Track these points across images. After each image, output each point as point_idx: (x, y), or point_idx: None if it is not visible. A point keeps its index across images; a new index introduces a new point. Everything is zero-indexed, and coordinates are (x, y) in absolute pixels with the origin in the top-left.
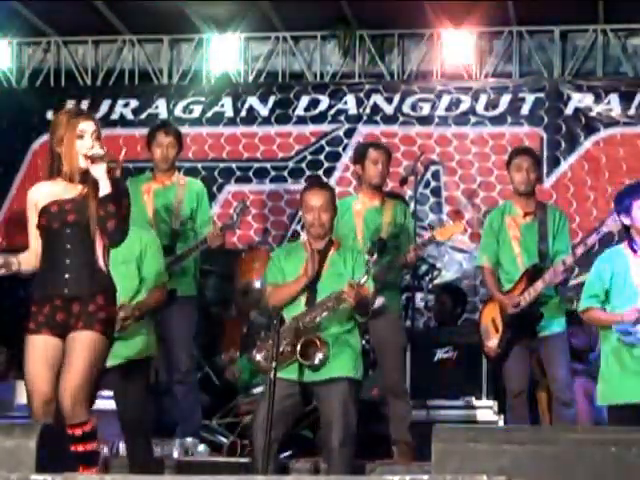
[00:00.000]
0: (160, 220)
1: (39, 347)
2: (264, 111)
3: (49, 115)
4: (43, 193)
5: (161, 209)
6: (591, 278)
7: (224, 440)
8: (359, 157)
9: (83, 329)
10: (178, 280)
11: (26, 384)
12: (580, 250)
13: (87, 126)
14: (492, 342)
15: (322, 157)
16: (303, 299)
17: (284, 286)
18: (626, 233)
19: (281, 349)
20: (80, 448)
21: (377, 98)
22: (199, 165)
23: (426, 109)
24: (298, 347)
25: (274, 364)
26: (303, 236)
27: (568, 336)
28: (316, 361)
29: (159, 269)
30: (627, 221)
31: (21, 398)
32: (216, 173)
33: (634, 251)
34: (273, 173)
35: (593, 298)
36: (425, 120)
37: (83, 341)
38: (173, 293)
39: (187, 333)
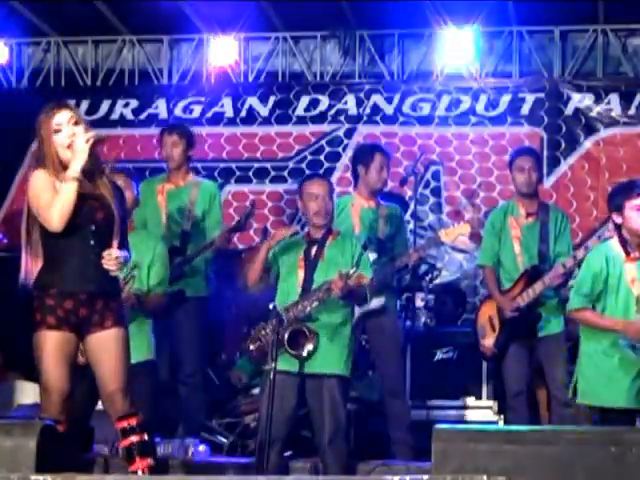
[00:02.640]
0: (172, 221)
1: (59, 344)
2: (264, 111)
3: None
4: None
5: (174, 210)
6: (584, 276)
7: (224, 440)
8: (364, 159)
9: (114, 326)
10: (187, 281)
11: (42, 380)
12: (580, 254)
13: (62, 117)
14: (488, 341)
15: (322, 157)
16: (299, 289)
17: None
18: (617, 231)
19: (271, 337)
20: (135, 438)
21: (377, 98)
22: (199, 165)
23: (426, 109)
24: (286, 336)
25: (273, 365)
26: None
27: None
28: (304, 352)
29: (162, 279)
30: (619, 220)
31: (21, 398)
32: (216, 173)
33: (626, 252)
34: (273, 173)
35: (585, 298)
36: (425, 120)
37: (119, 338)
38: (182, 294)
39: (196, 333)
